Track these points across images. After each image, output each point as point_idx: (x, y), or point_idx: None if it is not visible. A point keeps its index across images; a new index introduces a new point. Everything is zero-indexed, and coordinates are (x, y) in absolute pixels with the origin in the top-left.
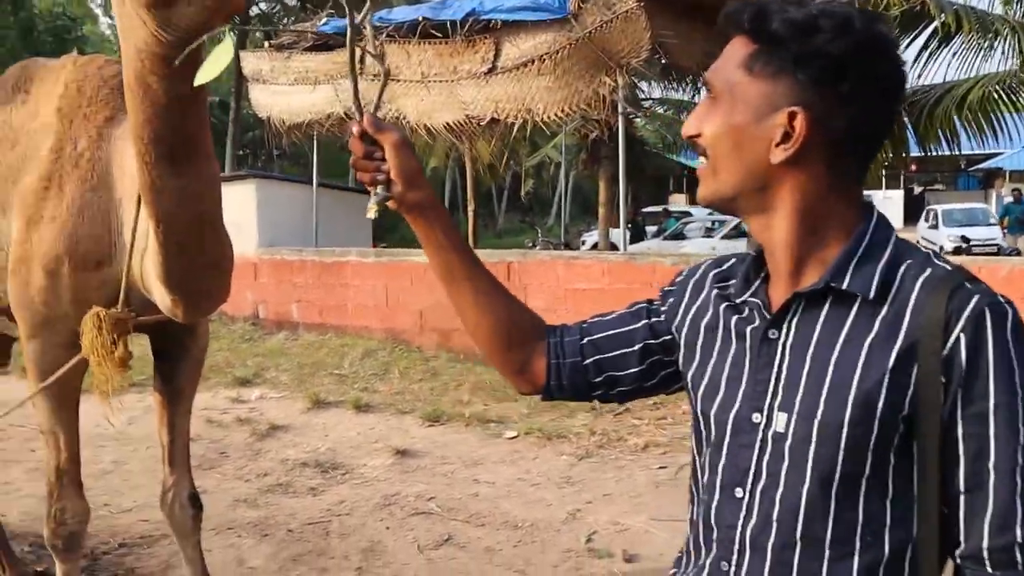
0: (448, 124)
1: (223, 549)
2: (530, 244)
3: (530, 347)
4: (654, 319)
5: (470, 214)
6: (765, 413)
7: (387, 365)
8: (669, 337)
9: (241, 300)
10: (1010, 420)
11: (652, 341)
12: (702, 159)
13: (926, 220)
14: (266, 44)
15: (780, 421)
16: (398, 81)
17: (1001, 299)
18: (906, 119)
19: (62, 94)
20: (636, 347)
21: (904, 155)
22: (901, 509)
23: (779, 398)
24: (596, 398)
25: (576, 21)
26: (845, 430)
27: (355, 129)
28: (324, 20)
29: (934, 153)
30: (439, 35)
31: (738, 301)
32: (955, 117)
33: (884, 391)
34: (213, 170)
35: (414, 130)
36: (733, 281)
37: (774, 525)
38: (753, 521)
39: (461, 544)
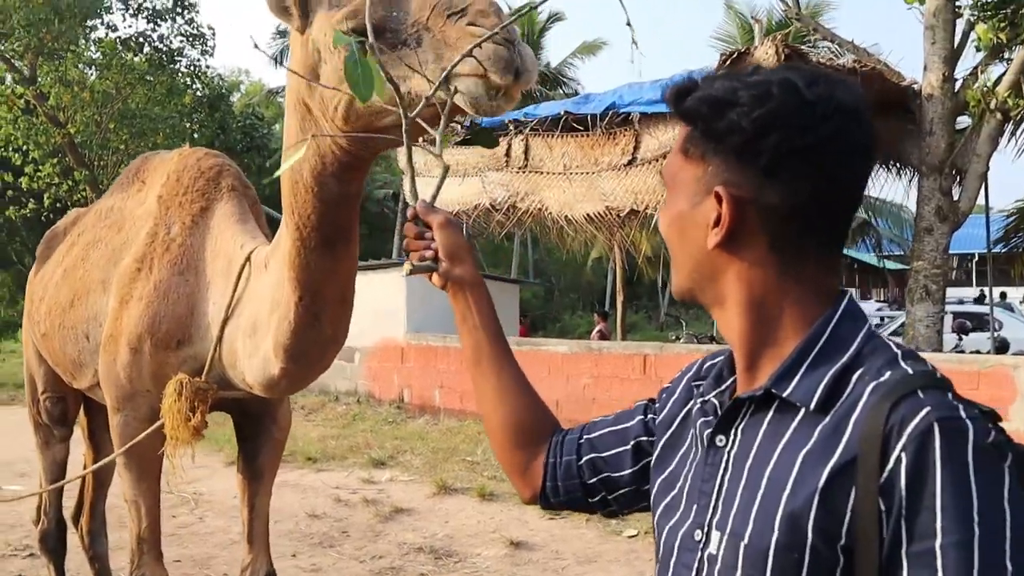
0: (588, 215)
1: None
2: (674, 338)
3: (536, 448)
4: (650, 416)
5: (619, 306)
6: (704, 531)
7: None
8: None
9: (388, 383)
10: (962, 564)
11: (644, 438)
12: None
13: None
14: (420, 139)
15: (714, 541)
16: (541, 173)
17: (962, 413)
18: None
19: (164, 183)
20: (629, 445)
21: None
22: None
23: (718, 515)
24: (595, 506)
25: None
26: (771, 557)
27: (409, 213)
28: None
29: None
30: (581, 128)
31: (701, 401)
32: None
33: (813, 514)
34: (356, 252)
35: (555, 221)
36: (707, 379)
37: None
38: None
39: None
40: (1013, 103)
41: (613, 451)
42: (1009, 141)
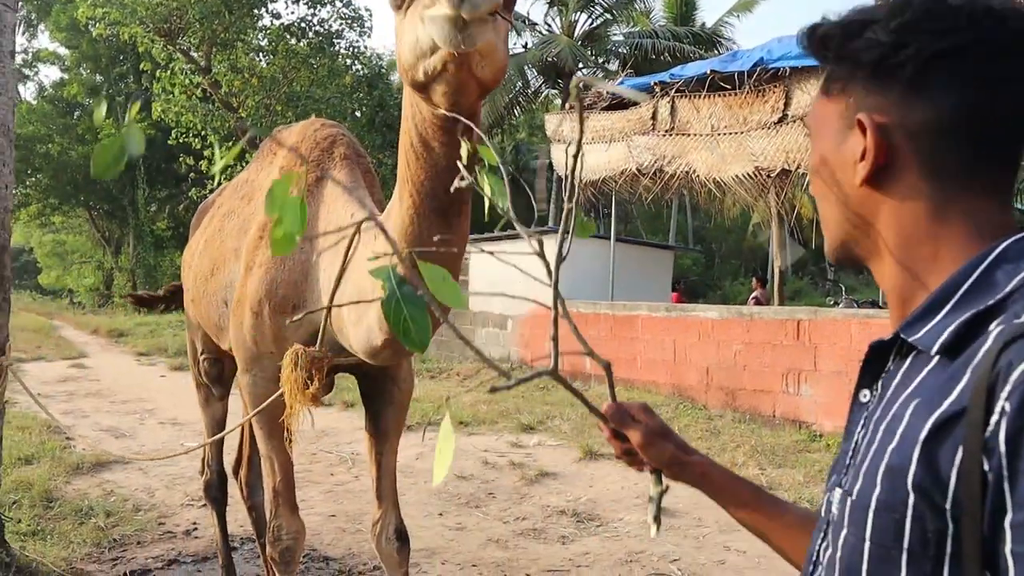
0: (738, 176)
1: None
2: (832, 303)
3: None
4: None
5: (777, 271)
6: (839, 490)
7: (670, 421)
8: None
9: (540, 349)
10: None
11: None
12: None
13: None
14: (566, 105)
15: (836, 500)
16: (688, 135)
17: None
18: None
19: (286, 155)
20: None
21: None
22: None
23: (848, 474)
24: None
25: None
26: (871, 515)
27: (606, 433)
28: (621, 79)
29: None
30: (728, 87)
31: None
32: None
33: (913, 469)
34: (468, 225)
35: (704, 184)
36: None
37: None
38: None
39: None
40: None
41: None
42: None
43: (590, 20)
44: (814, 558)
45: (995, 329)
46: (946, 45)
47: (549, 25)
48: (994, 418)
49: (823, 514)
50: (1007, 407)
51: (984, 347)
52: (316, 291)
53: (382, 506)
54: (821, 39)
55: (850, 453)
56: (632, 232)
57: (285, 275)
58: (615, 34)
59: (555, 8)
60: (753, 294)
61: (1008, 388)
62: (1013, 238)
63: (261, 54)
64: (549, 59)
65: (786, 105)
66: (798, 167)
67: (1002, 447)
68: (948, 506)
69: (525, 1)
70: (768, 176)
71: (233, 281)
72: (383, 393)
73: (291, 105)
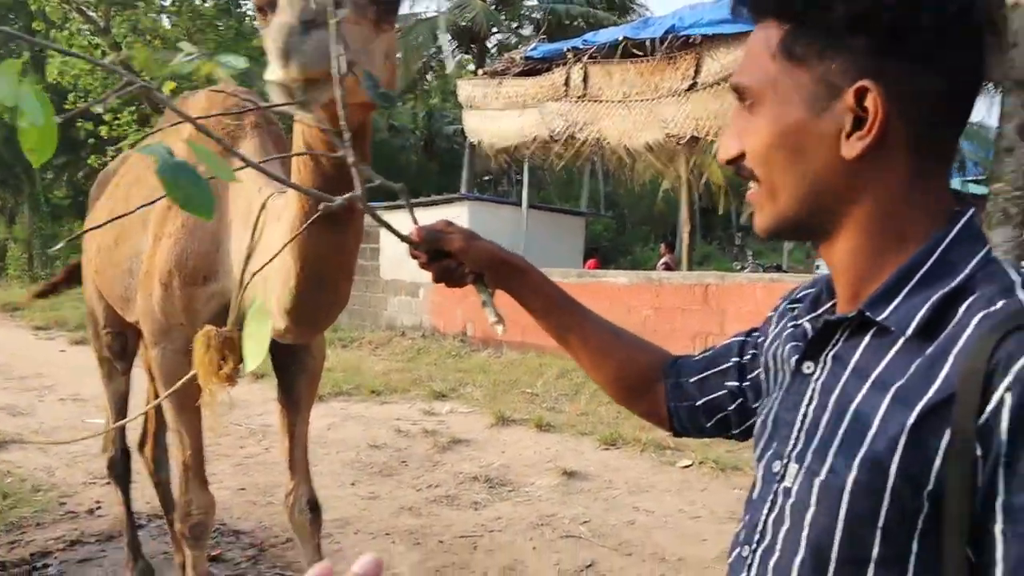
0: (648, 143)
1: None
2: (739, 267)
3: (653, 390)
4: (747, 355)
5: (685, 236)
6: (783, 463)
7: (578, 386)
8: (757, 372)
9: (451, 318)
10: None
11: (735, 383)
12: (753, 185)
13: None
14: (479, 71)
15: (791, 474)
16: (600, 102)
17: None
18: None
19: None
20: (724, 391)
21: None
22: None
23: (798, 447)
24: (726, 437)
25: None
26: (846, 497)
27: (420, 259)
28: (534, 45)
29: None
30: (640, 54)
31: (793, 325)
32: None
33: (899, 455)
34: (360, 225)
35: (614, 151)
36: (804, 303)
37: None
38: None
39: (602, 572)
40: None
41: (719, 393)
42: None
43: None
44: (760, 528)
45: (976, 314)
46: (955, 11)
47: None
48: (991, 406)
49: (762, 482)
50: (1007, 397)
51: (966, 332)
52: (227, 263)
53: (295, 477)
54: (793, 3)
55: (797, 426)
56: (545, 198)
57: (195, 246)
58: None
59: None
60: (663, 259)
61: (1009, 379)
62: (963, 219)
63: (164, 15)
64: (463, 23)
65: (696, 73)
66: (707, 134)
67: (1004, 435)
68: (929, 487)
69: None
70: (678, 143)
71: (140, 252)
72: (296, 362)
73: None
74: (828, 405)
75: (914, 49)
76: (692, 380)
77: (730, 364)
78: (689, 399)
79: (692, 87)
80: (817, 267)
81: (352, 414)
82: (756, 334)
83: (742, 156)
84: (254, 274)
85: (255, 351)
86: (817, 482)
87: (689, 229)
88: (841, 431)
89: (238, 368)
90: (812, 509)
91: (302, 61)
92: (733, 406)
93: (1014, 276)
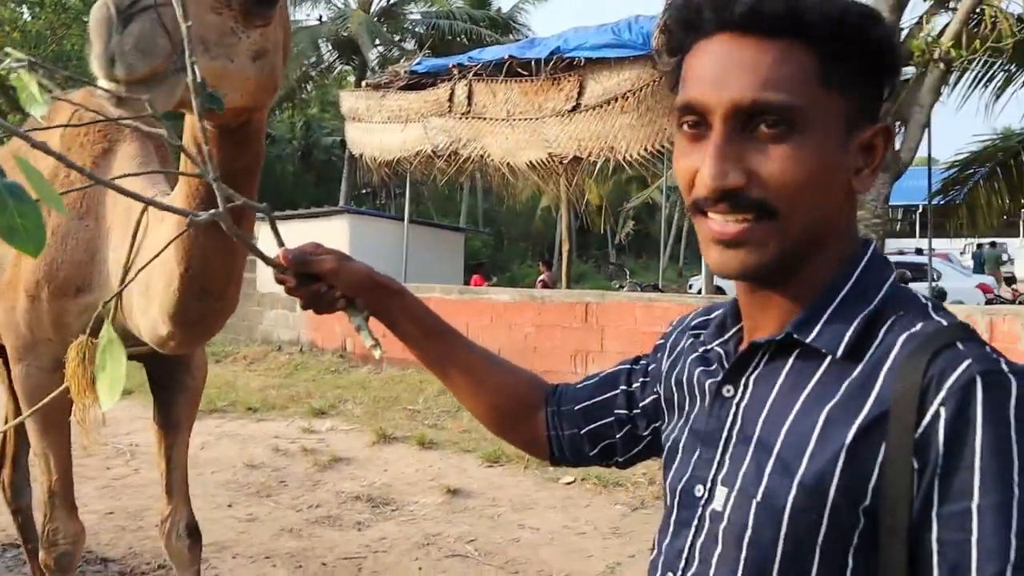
0: (531, 162)
1: None
2: (618, 286)
3: (532, 418)
4: (634, 383)
5: (564, 254)
6: (707, 486)
7: (460, 406)
8: (649, 400)
9: (330, 333)
10: (999, 527)
11: (624, 411)
12: (747, 215)
13: None
14: (363, 84)
15: (720, 497)
16: (484, 119)
17: (1005, 367)
18: None
19: (67, 122)
20: (611, 418)
21: None
22: None
23: (724, 470)
24: (605, 465)
25: (660, 58)
26: (786, 517)
27: (289, 283)
28: (419, 60)
29: None
30: (525, 73)
31: (702, 350)
32: None
33: (839, 472)
34: (250, 230)
35: (498, 168)
36: (708, 328)
37: None
38: None
39: None
40: (956, 53)
41: (604, 421)
42: (951, 93)
43: None
44: (686, 554)
45: (901, 335)
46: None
47: None
48: (927, 420)
49: (679, 507)
50: (942, 411)
51: (893, 352)
52: (104, 272)
53: (172, 502)
54: (831, 29)
55: (721, 449)
56: (423, 213)
57: (67, 255)
58: (412, 12)
59: None
60: (540, 277)
61: (943, 394)
62: (872, 246)
63: (26, 6)
64: (343, 34)
65: (580, 94)
66: (589, 154)
67: (940, 446)
68: (865, 503)
69: None
70: (560, 162)
71: (2, 259)
72: (175, 381)
73: (60, 65)
74: (756, 427)
75: (884, 88)
76: (576, 408)
77: (617, 392)
78: (572, 427)
79: (576, 108)
80: (690, 286)
81: (227, 432)
82: (643, 362)
83: (744, 186)
84: (128, 278)
85: (110, 390)
86: (754, 504)
87: (568, 247)
88: (775, 452)
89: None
90: (750, 531)
91: (125, 63)
92: (620, 434)
93: (923, 300)
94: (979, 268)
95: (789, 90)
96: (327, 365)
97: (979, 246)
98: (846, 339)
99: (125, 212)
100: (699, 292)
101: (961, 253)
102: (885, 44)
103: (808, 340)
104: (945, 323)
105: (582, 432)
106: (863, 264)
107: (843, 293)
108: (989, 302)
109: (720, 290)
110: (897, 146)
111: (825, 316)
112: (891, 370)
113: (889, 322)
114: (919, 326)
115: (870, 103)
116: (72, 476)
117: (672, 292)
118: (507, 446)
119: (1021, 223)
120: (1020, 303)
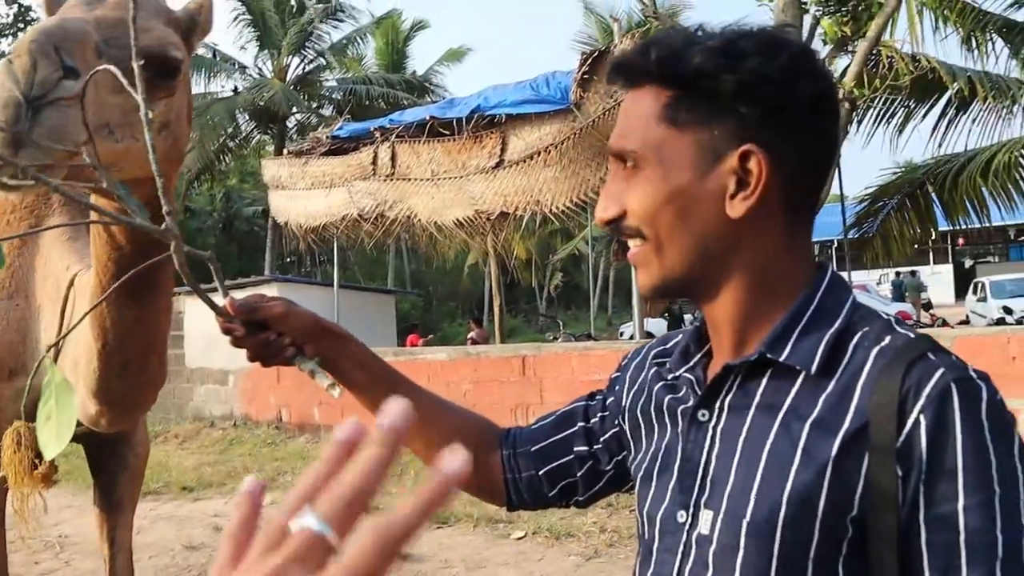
0: (458, 220)
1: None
2: (552, 337)
3: (487, 464)
4: (593, 419)
5: (496, 310)
6: (691, 511)
7: (404, 466)
8: (611, 433)
9: (265, 404)
10: (985, 527)
11: (584, 448)
12: (635, 242)
13: (974, 293)
14: (284, 151)
15: (705, 521)
16: (409, 180)
17: (973, 374)
18: (931, 191)
19: None
20: (571, 456)
21: (956, 228)
22: None
23: (706, 493)
24: (563, 505)
25: (579, 111)
26: (778, 534)
27: (237, 332)
28: (340, 125)
29: (964, 226)
30: (447, 133)
31: (670, 378)
32: (981, 185)
33: (826, 486)
34: (167, 302)
35: (425, 228)
36: (672, 357)
37: None
38: None
39: None
40: (859, 92)
41: (563, 460)
42: (857, 130)
43: (302, 64)
44: None
45: (871, 349)
46: (822, 88)
47: (260, 68)
48: (907, 428)
49: (662, 534)
50: (923, 419)
51: (867, 365)
52: (37, 352)
53: None
54: (677, 73)
55: (701, 473)
56: (350, 278)
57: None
58: (328, 80)
59: (266, 52)
60: (470, 335)
61: (921, 403)
62: (829, 270)
63: None
64: (261, 103)
65: (502, 150)
66: (516, 209)
67: (923, 453)
68: (853, 513)
69: (234, 44)
70: (487, 218)
71: None
72: (116, 457)
73: None
74: (737, 448)
75: (790, 119)
76: (533, 448)
77: (576, 428)
78: (530, 468)
79: (499, 164)
80: (621, 333)
81: (163, 514)
82: (599, 397)
83: (622, 216)
84: (48, 350)
85: (56, 435)
86: (744, 524)
87: (499, 303)
88: (760, 470)
89: (55, 467)
90: (741, 552)
91: (32, 152)
92: (581, 471)
93: (885, 316)
94: (899, 296)
95: (631, 136)
96: (263, 438)
97: (898, 274)
98: (819, 355)
99: (54, 288)
100: (631, 338)
101: (878, 283)
102: (752, 77)
103: (782, 358)
104: (912, 336)
105: (540, 473)
106: (824, 287)
107: (808, 314)
108: None
109: (651, 335)
110: None
111: (794, 336)
112: (867, 383)
113: (856, 337)
114: (888, 340)
115: (744, 131)
116: (7, 570)
117: (605, 340)
118: (455, 506)
119: (931, 251)
120: (938, 327)
